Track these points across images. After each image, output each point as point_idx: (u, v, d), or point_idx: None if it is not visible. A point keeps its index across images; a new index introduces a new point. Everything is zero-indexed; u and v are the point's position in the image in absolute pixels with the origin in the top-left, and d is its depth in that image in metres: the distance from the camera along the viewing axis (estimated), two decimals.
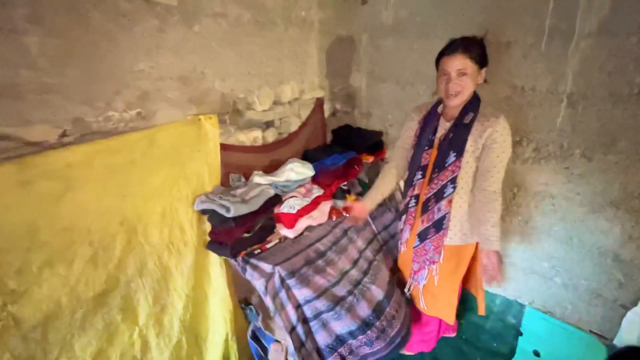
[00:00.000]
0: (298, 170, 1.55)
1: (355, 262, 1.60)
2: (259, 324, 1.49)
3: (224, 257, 1.41)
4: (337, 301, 1.42)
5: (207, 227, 1.39)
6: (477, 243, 1.42)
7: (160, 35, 1.21)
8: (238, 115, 1.57)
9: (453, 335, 1.90)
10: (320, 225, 1.62)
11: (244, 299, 1.59)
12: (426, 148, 1.38)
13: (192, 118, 1.35)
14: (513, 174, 1.90)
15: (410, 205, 1.48)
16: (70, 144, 1.05)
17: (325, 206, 1.66)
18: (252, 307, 1.54)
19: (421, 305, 1.59)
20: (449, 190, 1.32)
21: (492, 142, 1.24)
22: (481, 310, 1.56)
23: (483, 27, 1.75)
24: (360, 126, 2.37)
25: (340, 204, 1.75)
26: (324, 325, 1.39)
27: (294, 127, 1.88)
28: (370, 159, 2.06)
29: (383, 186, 1.55)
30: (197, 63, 1.35)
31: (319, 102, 2.03)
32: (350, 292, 1.47)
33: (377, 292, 1.56)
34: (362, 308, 1.47)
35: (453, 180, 1.31)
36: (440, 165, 1.33)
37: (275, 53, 1.68)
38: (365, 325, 1.45)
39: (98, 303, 1.11)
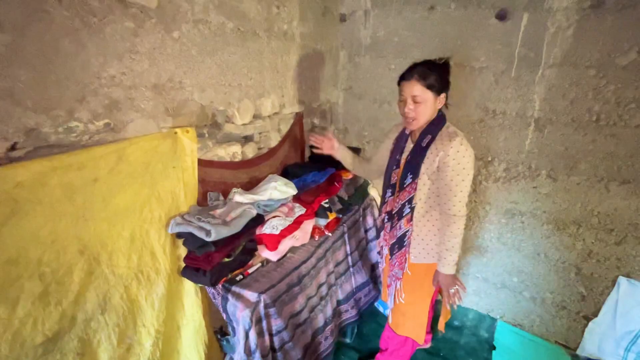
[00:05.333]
0: (281, 189, 1.46)
1: (319, 287, 1.58)
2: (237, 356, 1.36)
3: (200, 285, 1.27)
4: (294, 329, 1.40)
5: (182, 251, 1.25)
6: None
7: (135, 40, 1.08)
8: (216, 128, 1.46)
9: (427, 346, 1.92)
10: (303, 245, 1.55)
11: (219, 329, 1.44)
12: (394, 167, 1.43)
13: (167, 131, 1.22)
14: (485, 192, 1.98)
15: (385, 221, 1.52)
16: (20, 159, 0.88)
17: (308, 225, 1.59)
18: (228, 338, 1.40)
19: (389, 321, 1.60)
20: (407, 210, 1.36)
21: (444, 165, 1.23)
22: (439, 326, 1.60)
23: (457, 52, 1.85)
24: None
25: (322, 222, 1.69)
26: (284, 356, 1.36)
27: (273, 142, 1.79)
28: (350, 175, 2.04)
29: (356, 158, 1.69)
30: (175, 72, 1.23)
31: (299, 117, 1.97)
32: (304, 321, 1.46)
33: (321, 321, 1.59)
34: (306, 337, 1.49)
35: (410, 201, 1.35)
36: (401, 185, 1.37)
37: (257, 65, 1.61)
38: (305, 353, 1.47)
39: (49, 348, 0.93)
